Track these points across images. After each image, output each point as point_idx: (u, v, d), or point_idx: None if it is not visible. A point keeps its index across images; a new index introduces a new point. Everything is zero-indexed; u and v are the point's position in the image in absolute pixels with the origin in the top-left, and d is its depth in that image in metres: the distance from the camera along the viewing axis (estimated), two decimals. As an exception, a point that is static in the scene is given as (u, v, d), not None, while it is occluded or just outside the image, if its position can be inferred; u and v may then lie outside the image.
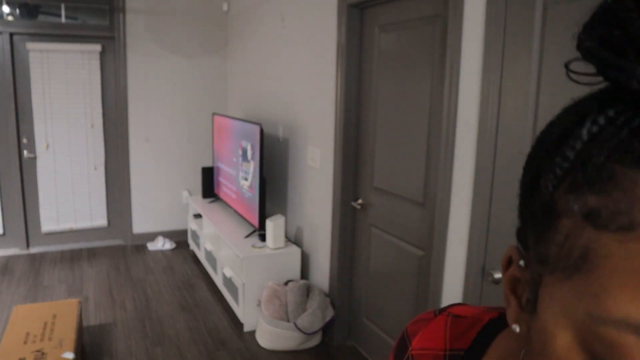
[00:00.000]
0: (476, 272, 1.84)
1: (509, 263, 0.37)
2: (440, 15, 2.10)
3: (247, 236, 3.45)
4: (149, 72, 4.53)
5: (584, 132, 0.28)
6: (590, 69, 0.29)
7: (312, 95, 3.15)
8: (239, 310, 3.24)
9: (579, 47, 0.29)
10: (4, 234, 4.42)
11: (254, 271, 3.14)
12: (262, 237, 3.36)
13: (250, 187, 3.52)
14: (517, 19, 1.65)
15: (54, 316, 2.70)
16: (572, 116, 0.30)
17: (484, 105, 1.76)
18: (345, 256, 2.93)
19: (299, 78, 3.33)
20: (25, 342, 2.42)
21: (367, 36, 2.68)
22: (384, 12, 2.52)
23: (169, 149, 4.73)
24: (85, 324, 3.20)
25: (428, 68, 2.19)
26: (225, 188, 4.16)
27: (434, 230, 2.10)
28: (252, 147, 3.44)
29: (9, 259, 4.32)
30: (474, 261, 1.84)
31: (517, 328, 0.37)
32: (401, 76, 2.39)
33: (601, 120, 0.27)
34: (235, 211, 3.89)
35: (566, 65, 0.32)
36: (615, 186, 0.26)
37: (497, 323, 0.49)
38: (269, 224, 3.23)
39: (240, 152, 3.71)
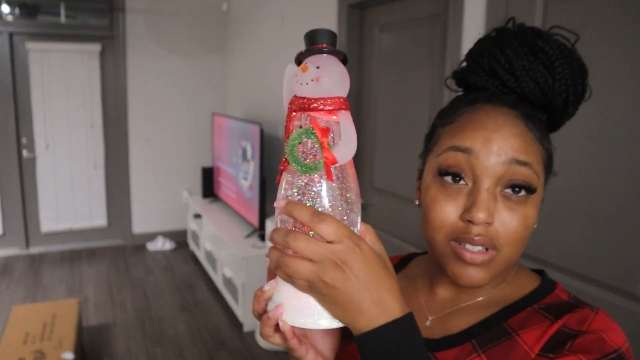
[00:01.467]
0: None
1: (419, 179, 0.66)
2: (440, 15, 2.10)
3: (247, 236, 3.45)
4: (149, 72, 4.53)
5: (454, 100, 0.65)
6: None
7: (312, 95, 3.14)
8: (239, 311, 3.24)
9: (466, 75, 0.63)
10: (3, 234, 4.41)
11: (254, 271, 3.14)
12: (262, 237, 3.35)
13: (250, 187, 3.52)
14: (517, 18, 1.65)
15: (54, 316, 2.69)
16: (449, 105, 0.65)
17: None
18: (345, 256, 2.92)
19: (298, 78, 3.32)
20: (24, 343, 2.42)
21: (367, 36, 2.68)
22: (384, 12, 2.52)
23: (169, 149, 4.72)
24: (85, 324, 3.20)
25: (428, 68, 2.19)
26: (225, 188, 4.15)
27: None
28: (252, 147, 3.44)
29: (9, 259, 4.32)
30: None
31: (417, 202, 0.65)
32: (401, 76, 2.39)
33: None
34: (235, 211, 3.88)
35: (446, 83, 0.69)
36: (452, 113, 0.62)
37: (412, 255, 0.78)
38: (269, 224, 3.23)
39: (240, 152, 3.71)
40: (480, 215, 0.54)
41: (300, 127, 0.48)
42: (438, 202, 0.57)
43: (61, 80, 4.36)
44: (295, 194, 0.48)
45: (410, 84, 2.32)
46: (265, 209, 3.42)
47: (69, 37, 4.36)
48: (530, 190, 0.55)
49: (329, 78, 0.47)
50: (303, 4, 3.20)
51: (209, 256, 3.88)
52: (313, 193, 0.48)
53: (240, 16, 4.40)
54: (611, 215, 1.40)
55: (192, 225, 4.42)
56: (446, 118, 0.61)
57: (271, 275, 0.55)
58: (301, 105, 0.48)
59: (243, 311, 3.17)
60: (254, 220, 3.44)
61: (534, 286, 0.62)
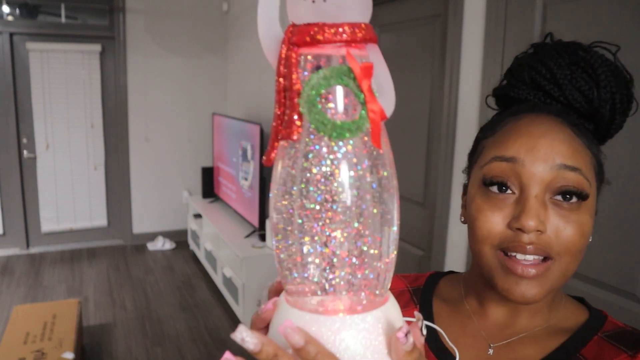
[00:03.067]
0: (476, 272, 1.84)
1: (464, 195, 0.64)
2: (440, 15, 2.10)
3: (247, 236, 3.45)
4: (149, 72, 4.53)
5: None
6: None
7: (312, 95, 3.14)
8: (239, 311, 3.24)
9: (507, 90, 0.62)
10: (4, 234, 4.41)
11: (254, 271, 3.14)
12: (262, 237, 3.35)
13: (250, 187, 3.52)
14: (517, 19, 1.65)
15: (54, 316, 2.70)
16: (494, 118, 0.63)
17: (484, 105, 1.76)
18: (345, 256, 2.92)
19: (299, 78, 3.32)
20: (25, 342, 2.42)
21: (367, 36, 2.67)
22: (384, 12, 2.52)
23: (169, 149, 4.72)
24: (85, 324, 3.20)
25: (428, 68, 2.19)
26: (225, 188, 4.15)
27: (434, 230, 2.11)
28: (252, 147, 3.44)
29: (9, 259, 4.32)
30: (474, 261, 1.84)
31: (462, 218, 0.63)
32: (401, 76, 2.39)
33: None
34: (235, 211, 3.88)
35: (486, 102, 0.69)
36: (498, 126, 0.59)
37: (435, 276, 0.73)
38: (269, 224, 3.22)
39: (240, 152, 3.71)
40: (530, 222, 0.51)
41: (318, 68, 0.33)
42: (484, 211, 0.55)
43: (61, 81, 4.36)
44: (304, 179, 0.32)
45: (410, 84, 2.32)
46: (265, 209, 3.42)
47: (69, 37, 4.36)
48: (582, 196, 0.53)
49: None
50: (303, 4, 3.20)
51: (209, 256, 3.88)
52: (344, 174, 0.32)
53: (240, 16, 4.40)
54: (611, 216, 1.40)
55: (192, 225, 4.42)
56: (489, 130, 0.60)
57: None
58: (309, 36, 0.32)
59: (243, 311, 3.17)
60: (254, 220, 3.44)
61: (585, 313, 0.61)
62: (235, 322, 3.28)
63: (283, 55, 0.34)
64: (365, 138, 0.33)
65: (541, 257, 0.53)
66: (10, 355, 2.32)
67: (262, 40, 0.36)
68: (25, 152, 4.37)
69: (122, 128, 4.53)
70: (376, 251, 0.35)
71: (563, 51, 0.57)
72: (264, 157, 0.36)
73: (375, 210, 0.34)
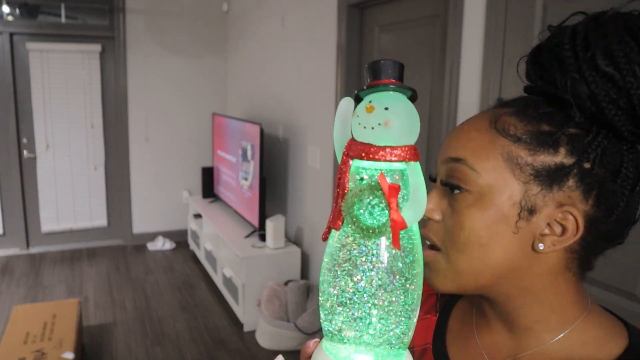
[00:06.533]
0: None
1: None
2: (440, 15, 2.10)
3: (247, 236, 3.45)
4: (149, 72, 4.53)
5: None
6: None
7: (312, 95, 3.15)
8: (239, 310, 3.24)
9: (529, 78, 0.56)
10: (4, 234, 4.41)
11: (254, 271, 3.14)
12: (262, 237, 3.36)
13: (250, 187, 3.52)
14: (517, 19, 1.65)
15: (54, 316, 2.70)
16: None
17: (484, 105, 1.76)
18: (345, 256, 2.92)
19: (299, 78, 3.32)
20: (25, 342, 2.42)
21: (367, 36, 2.68)
22: (384, 12, 2.52)
23: (169, 149, 4.73)
24: (85, 324, 3.20)
25: (428, 68, 2.19)
26: (225, 188, 4.15)
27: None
28: (252, 147, 3.44)
29: (9, 259, 4.32)
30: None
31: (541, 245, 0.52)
32: (401, 76, 2.38)
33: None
34: (235, 211, 3.88)
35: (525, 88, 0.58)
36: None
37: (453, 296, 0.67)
38: (269, 224, 3.23)
39: (240, 152, 3.71)
40: (429, 205, 0.52)
41: (361, 179, 0.42)
42: None
43: (61, 81, 4.36)
44: (343, 258, 0.42)
45: (410, 84, 2.31)
46: (265, 209, 3.42)
47: (69, 37, 4.36)
48: (460, 187, 0.51)
49: (400, 123, 0.40)
50: (303, 4, 3.20)
51: (209, 256, 3.88)
52: (370, 261, 0.41)
53: (240, 16, 4.40)
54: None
55: (192, 225, 4.42)
56: None
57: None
58: (362, 152, 0.41)
59: (243, 311, 3.17)
60: (254, 220, 3.44)
61: (621, 344, 0.52)
62: (235, 322, 3.28)
63: (342, 162, 0.44)
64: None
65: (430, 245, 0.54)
66: (10, 355, 2.32)
67: (336, 145, 0.45)
68: (25, 152, 4.37)
69: (122, 128, 4.53)
70: (401, 318, 0.43)
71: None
72: (322, 236, 0.45)
73: (401, 292, 0.42)
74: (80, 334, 2.72)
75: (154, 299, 3.61)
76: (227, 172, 4.06)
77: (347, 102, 0.45)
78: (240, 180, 3.75)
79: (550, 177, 0.48)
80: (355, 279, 0.42)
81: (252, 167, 3.47)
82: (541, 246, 0.49)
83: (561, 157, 0.48)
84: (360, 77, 2.75)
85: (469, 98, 1.86)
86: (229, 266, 3.38)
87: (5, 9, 4.14)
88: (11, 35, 4.19)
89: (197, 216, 4.40)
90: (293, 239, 3.56)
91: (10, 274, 4.02)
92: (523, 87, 0.57)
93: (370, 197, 0.40)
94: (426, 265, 0.52)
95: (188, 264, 4.31)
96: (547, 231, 0.49)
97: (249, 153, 3.51)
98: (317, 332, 2.95)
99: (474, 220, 0.50)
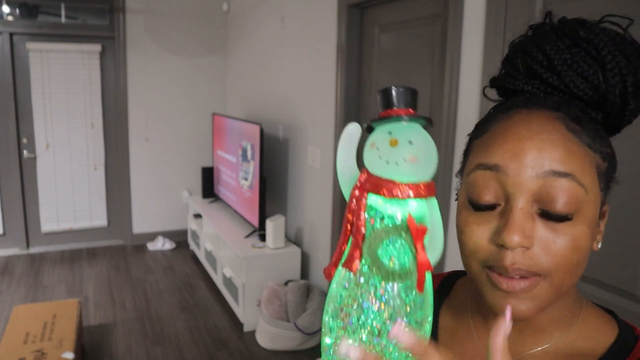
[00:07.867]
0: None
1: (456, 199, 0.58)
2: (440, 15, 2.10)
3: (247, 236, 3.45)
4: (149, 72, 4.53)
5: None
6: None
7: (312, 95, 3.15)
8: (239, 310, 3.24)
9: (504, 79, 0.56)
10: (4, 234, 4.41)
11: (254, 271, 3.14)
12: (262, 237, 3.36)
13: (250, 187, 3.52)
14: (517, 19, 1.65)
15: (54, 316, 2.70)
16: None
17: (484, 105, 1.76)
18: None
19: (299, 78, 3.32)
20: (25, 342, 2.42)
21: (367, 36, 2.68)
22: (384, 12, 2.52)
23: (169, 149, 4.73)
24: (85, 324, 3.20)
25: (428, 68, 2.19)
26: (225, 188, 4.15)
27: (434, 230, 2.10)
28: (252, 147, 3.44)
29: (9, 259, 4.32)
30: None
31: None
32: (401, 76, 2.39)
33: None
34: (235, 211, 3.88)
35: (484, 93, 0.60)
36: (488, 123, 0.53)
37: (452, 276, 0.68)
38: (269, 224, 3.23)
39: (240, 152, 3.71)
40: (514, 237, 0.45)
41: (382, 219, 0.39)
42: (469, 225, 0.50)
43: (61, 80, 4.36)
44: (353, 304, 0.39)
45: (410, 84, 2.31)
46: (265, 209, 3.42)
47: (69, 37, 4.36)
48: (569, 217, 0.47)
49: (426, 159, 0.39)
50: (303, 4, 3.20)
51: (209, 256, 3.88)
52: (391, 307, 0.38)
53: (240, 16, 4.40)
54: (611, 216, 1.40)
55: (192, 225, 4.42)
56: (480, 128, 0.54)
57: None
58: (383, 187, 0.39)
59: (243, 311, 3.17)
60: (254, 220, 3.44)
61: (613, 330, 0.54)
62: (235, 322, 3.28)
63: (355, 196, 0.40)
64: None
65: None
66: (10, 355, 2.32)
67: (339, 172, 0.42)
68: (25, 152, 4.37)
69: (122, 128, 4.53)
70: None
71: (562, 32, 0.51)
72: (325, 271, 0.42)
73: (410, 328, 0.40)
74: (80, 334, 2.71)
75: (154, 299, 3.61)
76: (227, 172, 4.06)
77: (353, 128, 0.43)
78: (240, 180, 3.75)
79: (607, 179, 0.51)
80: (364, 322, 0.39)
81: (252, 167, 3.47)
82: (600, 245, 0.50)
83: (607, 150, 0.51)
84: (360, 77, 2.75)
85: (469, 98, 1.86)
86: (229, 266, 3.38)
87: (5, 9, 4.14)
88: (11, 35, 4.19)
89: (197, 216, 4.40)
90: (293, 239, 3.56)
91: (10, 274, 4.02)
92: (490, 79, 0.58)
93: (397, 239, 0.38)
94: (520, 294, 0.47)
95: (188, 264, 4.31)
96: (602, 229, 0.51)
97: (249, 153, 3.51)
98: (317, 332, 2.95)
99: (587, 240, 0.48)
